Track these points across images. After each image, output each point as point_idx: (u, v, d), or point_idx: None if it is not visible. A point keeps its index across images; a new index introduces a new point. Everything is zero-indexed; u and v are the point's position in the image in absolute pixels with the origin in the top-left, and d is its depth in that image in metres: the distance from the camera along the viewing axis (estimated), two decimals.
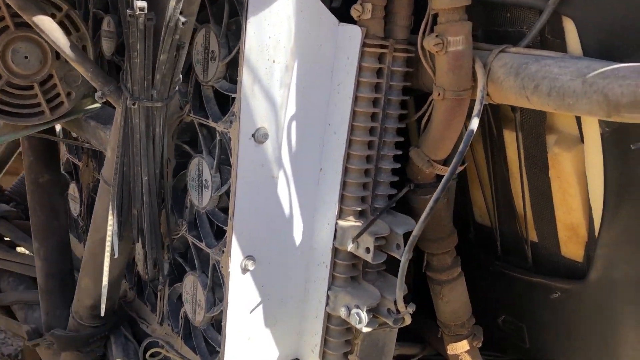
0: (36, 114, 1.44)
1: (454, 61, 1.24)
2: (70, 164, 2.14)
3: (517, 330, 1.92)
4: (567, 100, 1.14)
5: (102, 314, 1.39)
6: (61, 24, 1.38)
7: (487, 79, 1.26)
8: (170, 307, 1.63)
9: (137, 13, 1.05)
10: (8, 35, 1.35)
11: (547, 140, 1.48)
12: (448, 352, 1.72)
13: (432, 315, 1.78)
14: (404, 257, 1.30)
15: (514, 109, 1.47)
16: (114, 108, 1.41)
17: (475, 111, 1.21)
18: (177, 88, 1.27)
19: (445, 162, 1.44)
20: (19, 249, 2.54)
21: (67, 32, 1.40)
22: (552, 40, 1.31)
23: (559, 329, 1.75)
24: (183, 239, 1.54)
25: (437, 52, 1.24)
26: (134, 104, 1.19)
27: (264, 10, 1.20)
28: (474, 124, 1.19)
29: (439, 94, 1.28)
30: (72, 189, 2.14)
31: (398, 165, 1.45)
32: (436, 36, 1.23)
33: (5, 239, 2.47)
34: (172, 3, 1.05)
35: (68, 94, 1.45)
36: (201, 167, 1.41)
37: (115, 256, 1.38)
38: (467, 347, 1.70)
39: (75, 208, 2.14)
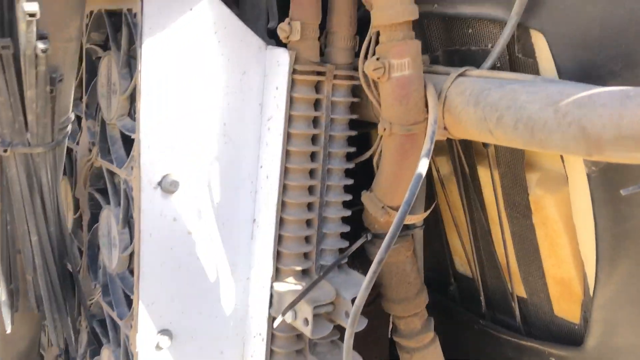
0: None
1: (400, 89, 1.01)
2: None
3: None
4: (537, 135, 0.90)
5: None
6: None
7: (444, 109, 1.03)
8: None
9: None
10: None
11: (527, 180, 1.23)
12: None
13: None
14: (347, 329, 1.05)
15: (485, 143, 1.24)
16: None
17: (423, 150, 0.97)
18: (67, 129, 1.06)
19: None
20: None
21: None
22: (523, 59, 1.08)
23: None
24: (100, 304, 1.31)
25: (378, 78, 1.02)
26: (4, 151, 0.98)
27: (163, 31, 0.99)
28: (422, 166, 0.96)
29: (384, 129, 1.05)
30: None
31: (348, 213, 1.21)
32: (377, 59, 1.01)
33: None
34: (22, 25, 0.84)
35: None
36: (110, 221, 1.18)
37: (8, 331, 1.15)
38: None
39: None
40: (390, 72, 1.01)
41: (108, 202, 1.20)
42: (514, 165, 1.24)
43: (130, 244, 1.14)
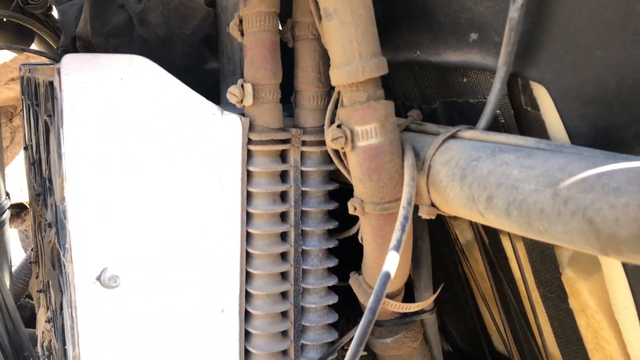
0: None
1: (368, 162, 0.81)
2: None
3: None
4: (534, 224, 0.67)
5: None
6: None
7: (428, 182, 0.82)
8: None
9: None
10: None
11: (557, 257, 0.99)
12: None
13: None
14: None
15: None
16: None
17: (392, 242, 0.76)
18: (2, 218, 0.95)
19: (397, 295, 0.99)
20: None
21: None
22: (533, 113, 0.85)
23: None
24: None
25: (341, 149, 0.82)
26: None
27: (89, 107, 0.85)
28: (390, 263, 0.75)
29: (354, 209, 0.85)
30: None
31: (333, 300, 1.02)
32: (338, 126, 0.82)
33: None
34: None
35: None
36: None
37: None
38: None
39: None
40: (354, 141, 0.81)
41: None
42: None
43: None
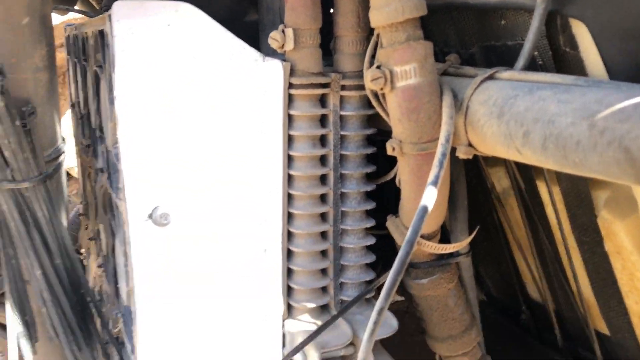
0: None
1: (407, 102, 0.84)
2: None
3: None
4: (570, 156, 0.69)
5: None
6: None
7: (466, 122, 0.84)
8: None
9: None
10: None
11: (593, 199, 1.00)
12: None
13: None
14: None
15: None
16: None
17: (430, 177, 0.79)
18: (59, 159, 1.01)
19: (433, 237, 1.02)
20: None
21: None
22: (572, 54, 0.86)
23: None
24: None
25: (380, 90, 0.85)
26: None
27: (139, 52, 0.90)
28: (429, 198, 0.78)
29: (393, 149, 0.88)
30: None
31: (371, 241, 1.06)
32: (377, 67, 0.84)
33: None
34: None
35: None
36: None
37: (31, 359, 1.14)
38: None
39: None
40: (393, 82, 0.83)
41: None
42: (577, 181, 1.01)
43: None
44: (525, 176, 1.12)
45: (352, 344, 1.01)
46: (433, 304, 1.11)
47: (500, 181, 1.23)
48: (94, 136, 1.30)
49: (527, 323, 1.41)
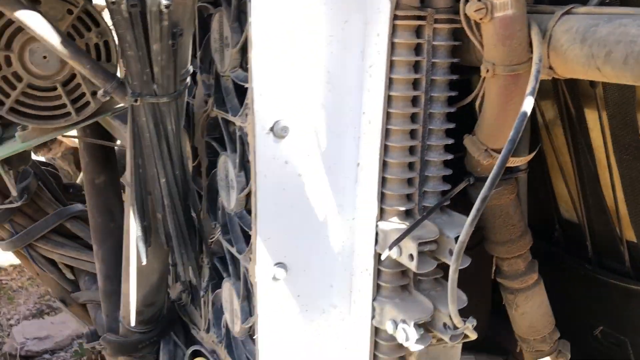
0: (62, 115, 1.40)
1: (503, 30, 1.02)
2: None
3: (619, 344, 1.62)
4: None
5: (132, 323, 1.33)
6: (79, 19, 1.32)
7: (549, 48, 1.02)
8: (215, 314, 1.54)
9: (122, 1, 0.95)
10: (23, 35, 1.31)
11: (638, 122, 1.20)
12: None
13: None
14: (452, 265, 1.09)
15: (592, 83, 1.21)
16: None
17: (528, 88, 0.98)
18: (186, 81, 1.16)
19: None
20: None
21: (87, 29, 1.34)
22: None
23: None
24: (220, 242, 1.44)
25: (480, 19, 1.02)
26: (135, 101, 1.10)
27: None
28: (527, 105, 0.96)
29: (487, 71, 1.06)
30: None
31: (450, 157, 1.24)
32: (478, 0, 1.01)
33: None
34: None
35: (93, 93, 1.39)
36: (227, 166, 1.29)
37: (143, 262, 1.31)
38: None
39: None
40: (492, 12, 1.01)
41: (224, 149, 1.31)
42: (624, 105, 1.21)
43: (247, 185, 1.24)
44: (575, 104, 1.31)
45: (435, 241, 1.20)
46: (497, 212, 1.31)
47: (547, 111, 1.43)
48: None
49: (559, 240, 1.62)
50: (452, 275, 1.10)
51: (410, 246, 1.15)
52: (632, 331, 1.54)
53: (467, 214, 1.05)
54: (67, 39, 1.14)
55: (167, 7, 0.97)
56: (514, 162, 1.24)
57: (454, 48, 1.18)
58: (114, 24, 1.04)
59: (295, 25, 1.10)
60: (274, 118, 1.13)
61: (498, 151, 1.20)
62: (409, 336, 1.19)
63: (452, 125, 1.22)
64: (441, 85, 1.19)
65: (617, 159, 1.29)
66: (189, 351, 1.55)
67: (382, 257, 1.18)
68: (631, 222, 1.36)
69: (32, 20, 1.13)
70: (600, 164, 1.35)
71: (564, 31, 1.01)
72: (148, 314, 1.56)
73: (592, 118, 1.29)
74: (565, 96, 1.30)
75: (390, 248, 1.16)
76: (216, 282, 1.52)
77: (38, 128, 1.41)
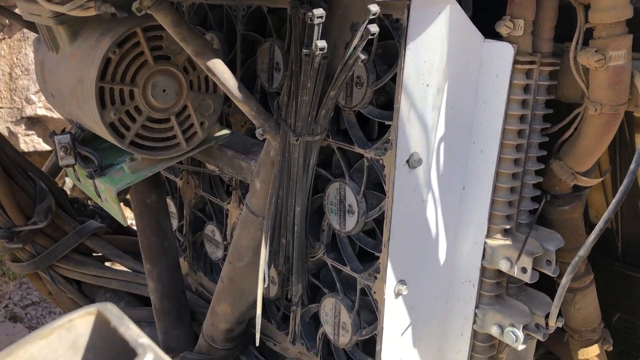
0: (173, 146, 1.43)
1: (615, 77, 1.21)
2: (164, 179, 2.15)
3: (633, 327, 1.91)
4: None
5: (257, 343, 1.39)
6: None
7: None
8: (304, 327, 1.63)
9: (316, 53, 1.03)
10: (148, 70, 1.33)
11: None
12: (579, 356, 1.71)
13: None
14: (566, 276, 1.28)
15: None
16: (244, 135, 1.39)
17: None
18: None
19: (586, 173, 1.41)
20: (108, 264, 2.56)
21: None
22: None
23: None
24: (318, 260, 1.54)
25: (596, 67, 1.21)
26: (297, 140, 1.18)
27: (421, 34, 1.18)
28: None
29: (595, 110, 1.25)
30: (168, 204, 2.14)
31: (540, 179, 1.42)
32: (596, 51, 1.20)
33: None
34: (356, 41, 1.03)
35: (201, 124, 1.43)
36: (343, 192, 1.39)
37: (266, 285, 1.38)
38: (598, 352, 1.70)
39: (172, 223, 2.14)
40: (608, 62, 1.20)
41: (336, 177, 1.41)
42: None
43: (368, 211, 1.36)
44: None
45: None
46: (568, 224, 1.52)
47: None
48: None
49: None
50: (564, 284, 1.28)
51: (525, 261, 1.33)
52: None
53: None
54: (241, 84, 1.19)
55: (363, 61, 1.06)
56: (589, 182, 1.45)
57: (550, 86, 1.37)
58: (294, 71, 1.11)
59: (432, 70, 1.23)
60: (410, 151, 1.26)
61: (582, 174, 1.40)
62: (517, 338, 1.37)
63: (543, 153, 1.41)
64: (539, 118, 1.37)
65: None
66: None
67: (503, 268, 1.34)
68: None
69: (217, 68, 1.16)
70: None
71: None
72: (237, 331, 1.62)
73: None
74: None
75: (519, 256, 1.32)
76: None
77: (147, 159, 1.43)
